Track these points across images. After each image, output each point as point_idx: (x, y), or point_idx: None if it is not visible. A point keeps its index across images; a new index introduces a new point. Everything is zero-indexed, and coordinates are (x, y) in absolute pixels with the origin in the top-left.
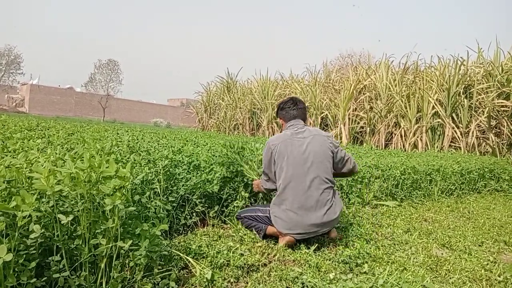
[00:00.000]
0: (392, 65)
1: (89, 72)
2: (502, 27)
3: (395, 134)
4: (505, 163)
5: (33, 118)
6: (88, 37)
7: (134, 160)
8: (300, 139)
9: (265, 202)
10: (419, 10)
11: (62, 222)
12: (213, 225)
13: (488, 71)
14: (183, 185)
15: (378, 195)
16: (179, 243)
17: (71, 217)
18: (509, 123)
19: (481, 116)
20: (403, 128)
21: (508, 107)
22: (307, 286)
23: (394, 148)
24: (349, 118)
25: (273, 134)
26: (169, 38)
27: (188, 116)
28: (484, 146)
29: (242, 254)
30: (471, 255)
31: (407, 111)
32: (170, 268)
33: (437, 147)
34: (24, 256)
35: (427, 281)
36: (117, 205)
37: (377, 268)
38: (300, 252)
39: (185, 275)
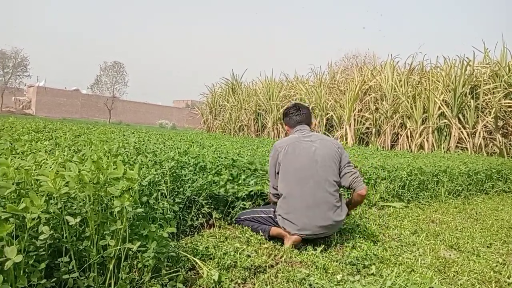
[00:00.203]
0: (397, 66)
1: (88, 72)
2: (502, 27)
3: (401, 135)
4: None
5: (40, 120)
6: (88, 37)
7: (141, 161)
8: (308, 142)
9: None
10: (419, 10)
11: (70, 224)
12: (219, 227)
13: (495, 71)
14: (189, 187)
15: (384, 196)
16: (186, 244)
17: (79, 219)
18: None
19: (488, 117)
20: (409, 129)
21: None
22: (314, 287)
23: (400, 149)
24: (354, 119)
25: (278, 135)
26: (169, 38)
27: (193, 118)
28: (491, 146)
29: (249, 256)
30: (480, 256)
31: (413, 112)
32: (177, 269)
33: (443, 148)
34: (34, 257)
35: (435, 283)
36: (125, 206)
37: (385, 269)
38: (307, 254)
39: (193, 276)
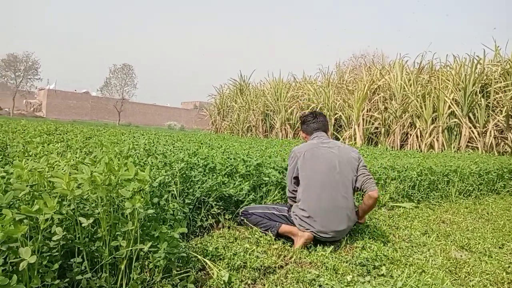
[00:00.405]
0: (406, 65)
1: (88, 72)
2: (503, 27)
3: (410, 135)
4: None
5: (51, 123)
6: (88, 37)
7: (152, 163)
8: (326, 148)
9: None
10: (419, 10)
11: (83, 225)
12: (228, 227)
13: (506, 69)
14: (199, 188)
15: (394, 197)
16: (196, 245)
17: (91, 220)
18: None
19: (499, 116)
20: (419, 128)
21: None
22: None
23: (410, 149)
24: (363, 119)
25: (287, 136)
26: (169, 38)
27: (201, 119)
28: (503, 146)
29: (258, 256)
30: (492, 257)
31: (422, 111)
32: (188, 269)
33: (454, 147)
34: (48, 258)
35: (446, 284)
36: (136, 208)
37: (395, 270)
38: (317, 254)
39: (203, 276)
